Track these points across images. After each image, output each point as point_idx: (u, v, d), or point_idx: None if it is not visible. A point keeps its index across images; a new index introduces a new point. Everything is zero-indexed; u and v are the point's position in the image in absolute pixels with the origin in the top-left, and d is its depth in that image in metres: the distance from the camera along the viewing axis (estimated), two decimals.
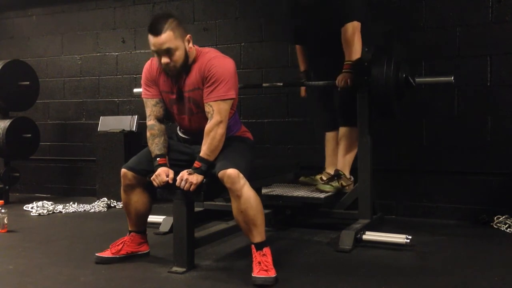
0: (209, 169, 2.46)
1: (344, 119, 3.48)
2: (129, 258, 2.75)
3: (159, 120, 2.70)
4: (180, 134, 2.80)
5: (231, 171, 2.37)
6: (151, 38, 2.48)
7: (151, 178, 2.55)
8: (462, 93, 3.76)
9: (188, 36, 2.53)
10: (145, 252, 2.84)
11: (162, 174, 2.51)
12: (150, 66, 2.70)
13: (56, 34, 5.35)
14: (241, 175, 2.38)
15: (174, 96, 2.64)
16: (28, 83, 4.84)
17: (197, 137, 2.63)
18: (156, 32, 2.45)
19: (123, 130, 4.66)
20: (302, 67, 3.78)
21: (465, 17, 3.75)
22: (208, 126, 2.50)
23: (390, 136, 3.90)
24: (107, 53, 5.13)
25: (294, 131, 4.31)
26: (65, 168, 5.32)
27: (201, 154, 2.48)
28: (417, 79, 3.20)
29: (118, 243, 2.76)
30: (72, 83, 5.29)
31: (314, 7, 3.43)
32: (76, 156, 5.25)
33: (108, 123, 4.82)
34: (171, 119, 2.83)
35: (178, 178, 2.45)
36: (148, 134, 2.68)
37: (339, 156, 3.56)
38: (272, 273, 2.34)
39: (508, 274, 2.47)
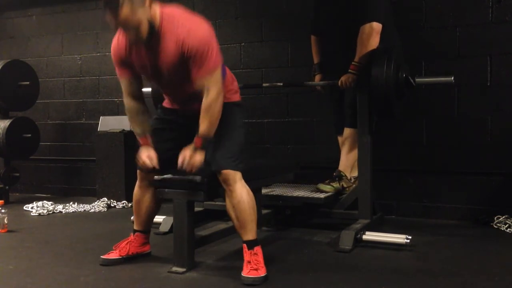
0: (208, 144, 2.41)
1: (351, 121, 3.43)
2: (131, 258, 2.74)
3: (135, 97, 2.56)
4: (167, 106, 2.70)
5: (227, 172, 2.39)
6: (108, 15, 2.22)
7: (139, 164, 2.53)
8: (462, 93, 3.76)
9: (147, 1, 2.25)
10: (147, 252, 2.83)
11: (146, 160, 2.48)
12: (117, 45, 2.45)
13: (56, 34, 5.34)
14: (238, 173, 2.41)
15: (150, 71, 2.45)
16: (28, 83, 4.84)
17: (185, 105, 2.57)
18: (111, 10, 2.19)
19: (123, 130, 4.66)
20: (316, 59, 3.70)
21: (465, 17, 3.74)
22: (206, 102, 2.34)
23: (390, 136, 3.89)
24: (107, 53, 5.12)
25: (294, 131, 4.31)
26: (65, 168, 5.32)
27: (201, 132, 2.36)
28: (417, 79, 3.19)
29: (123, 244, 2.73)
30: (72, 83, 5.30)
31: (337, 3, 3.38)
32: (76, 156, 5.25)
33: (108, 123, 4.81)
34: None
35: (180, 158, 2.36)
36: (126, 111, 2.60)
37: (342, 156, 3.55)
38: (262, 272, 2.33)
39: (508, 274, 2.47)
